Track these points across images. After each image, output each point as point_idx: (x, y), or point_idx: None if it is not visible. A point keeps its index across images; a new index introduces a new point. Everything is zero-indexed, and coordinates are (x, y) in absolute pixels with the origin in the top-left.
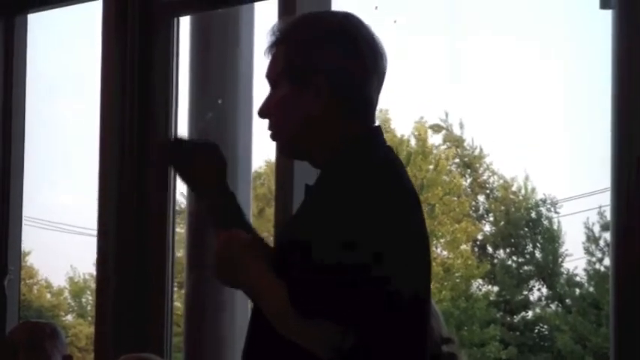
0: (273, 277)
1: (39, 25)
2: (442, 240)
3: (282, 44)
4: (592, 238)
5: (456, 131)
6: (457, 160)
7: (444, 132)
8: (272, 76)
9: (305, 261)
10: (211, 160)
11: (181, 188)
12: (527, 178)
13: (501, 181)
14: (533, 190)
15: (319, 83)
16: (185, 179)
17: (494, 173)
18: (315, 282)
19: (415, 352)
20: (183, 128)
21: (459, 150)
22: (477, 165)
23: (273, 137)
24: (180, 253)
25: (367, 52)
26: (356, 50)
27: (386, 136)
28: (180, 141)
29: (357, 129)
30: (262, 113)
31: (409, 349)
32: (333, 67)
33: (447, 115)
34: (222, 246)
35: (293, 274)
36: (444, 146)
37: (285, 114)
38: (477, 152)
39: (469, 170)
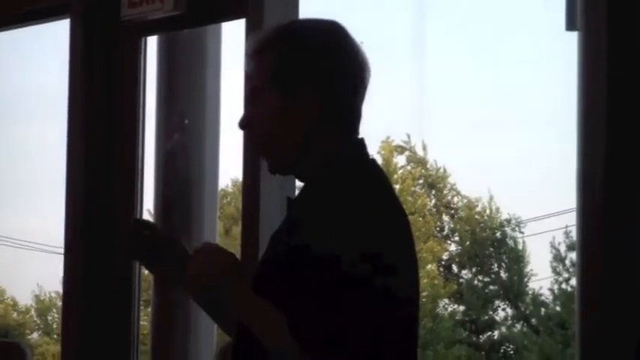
0: (258, 302)
1: (5, 44)
2: None
3: (269, 52)
4: (559, 258)
5: (419, 152)
6: (421, 181)
7: (407, 153)
8: (255, 85)
9: (305, 288)
10: (175, 254)
11: (147, 206)
12: (491, 198)
13: (465, 201)
14: (498, 209)
15: (310, 93)
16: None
17: (458, 193)
18: (317, 312)
19: None
20: (150, 148)
21: (423, 170)
22: (441, 185)
23: (264, 152)
24: (147, 271)
25: (354, 61)
26: (344, 59)
27: None
28: (142, 235)
29: (345, 141)
30: (244, 124)
31: None
32: (323, 77)
33: (409, 136)
34: (201, 263)
35: (292, 302)
36: (409, 167)
37: (274, 127)
38: (440, 172)
39: (433, 191)
